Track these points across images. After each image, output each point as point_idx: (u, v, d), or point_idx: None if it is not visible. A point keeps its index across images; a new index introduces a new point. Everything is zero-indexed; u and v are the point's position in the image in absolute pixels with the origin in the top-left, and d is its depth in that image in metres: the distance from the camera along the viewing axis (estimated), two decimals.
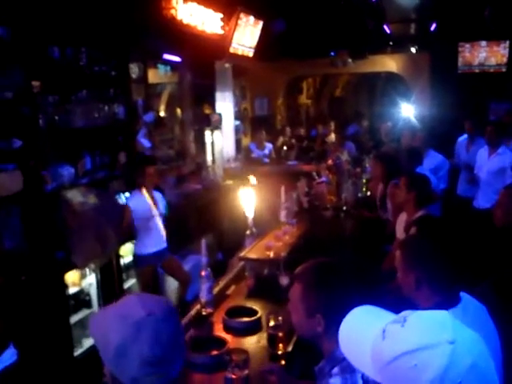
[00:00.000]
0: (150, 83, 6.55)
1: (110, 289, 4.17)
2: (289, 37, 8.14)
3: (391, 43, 10.38)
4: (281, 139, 9.71)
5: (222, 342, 2.25)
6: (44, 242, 3.50)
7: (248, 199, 3.34)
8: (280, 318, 2.24)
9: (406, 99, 10.00)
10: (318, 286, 1.61)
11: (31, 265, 3.33)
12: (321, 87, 13.96)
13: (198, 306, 2.62)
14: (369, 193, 5.32)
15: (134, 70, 5.62)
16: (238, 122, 8.67)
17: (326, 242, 3.79)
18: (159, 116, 7.10)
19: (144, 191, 4.33)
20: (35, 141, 3.49)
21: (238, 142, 8.42)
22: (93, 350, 3.66)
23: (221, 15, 6.29)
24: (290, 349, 2.22)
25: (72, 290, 3.89)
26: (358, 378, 1.41)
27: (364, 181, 5.50)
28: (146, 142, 5.90)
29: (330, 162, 5.89)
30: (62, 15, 3.70)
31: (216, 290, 2.88)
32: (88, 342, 3.87)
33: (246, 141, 9.43)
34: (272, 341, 2.24)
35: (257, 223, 3.35)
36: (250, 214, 3.30)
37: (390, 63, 10.72)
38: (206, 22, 6.01)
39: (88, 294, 4.13)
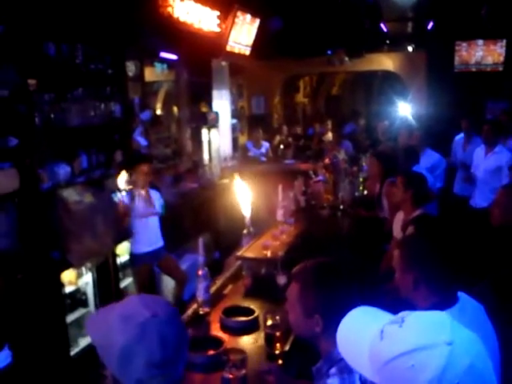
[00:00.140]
0: (146, 81, 6.54)
1: (107, 288, 4.16)
2: (286, 35, 8.16)
3: (388, 42, 10.40)
4: (278, 138, 9.71)
5: (218, 342, 2.24)
6: (40, 240, 3.49)
7: (244, 198, 3.33)
8: (277, 317, 2.23)
9: (402, 98, 10.00)
10: (316, 286, 1.60)
11: (27, 264, 3.31)
12: (317, 86, 13.97)
13: (195, 306, 2.61)
14: (366, 191, 5.33)
15: (131, 68, 5.61)
16: (234, 121, 8.66)
17: (324, 241, 3.78)
18: (156, 114, 7.08)
19: (140, 189, 4.32)
20: (31, 139, 3.47)
21: (234, 141, 8.42)
22: (89, 349, 3.65)
23: (217, 13, 6.29)
24: (287, 348, 2.21)
25: (68, 289, 3.88)
26: (355, 378, 1.41)
27: (361, 179, 5.51)
28: (142, 141, 5.88)
29: (326, 160, 5.87)
30: (57, 12, 3.68)
31: (213, 289, 2.87)
32: (84, 342, 3.86)
33: (242, 139, 9.41)
34: (269, 340, 2.23)
35: (254, 222, 3.34)
36: (247, 213, 3.29)
37: (386, 62, 10.72)
38: (203, 19, 6.01)
39: (84, 293, 4.12)
